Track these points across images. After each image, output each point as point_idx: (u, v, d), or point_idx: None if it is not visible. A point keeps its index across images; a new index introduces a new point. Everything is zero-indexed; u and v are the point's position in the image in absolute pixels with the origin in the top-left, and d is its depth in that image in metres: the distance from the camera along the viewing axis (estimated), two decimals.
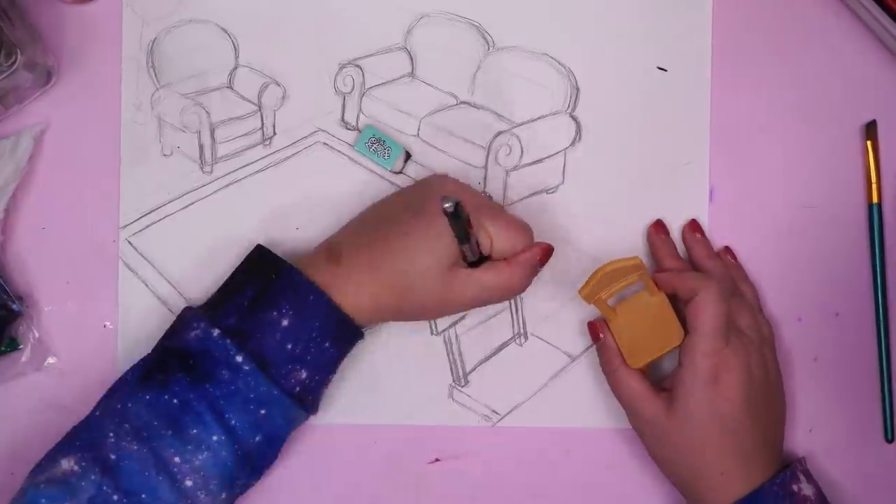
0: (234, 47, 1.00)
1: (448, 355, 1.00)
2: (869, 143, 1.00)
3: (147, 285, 0.99)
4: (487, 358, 1.00)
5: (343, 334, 0.88)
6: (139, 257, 0.99)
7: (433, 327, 1.00)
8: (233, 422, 0.85)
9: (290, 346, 0.86)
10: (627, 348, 0.94)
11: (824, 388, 1.01)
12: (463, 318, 1.00)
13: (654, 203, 1.00)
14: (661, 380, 0.95)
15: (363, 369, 0.99)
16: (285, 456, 0.96)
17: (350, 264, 0.89)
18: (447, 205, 0.78)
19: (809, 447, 1.00)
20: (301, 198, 1.00)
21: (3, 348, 0.96)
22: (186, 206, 0.99)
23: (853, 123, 1.01)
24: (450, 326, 0.99)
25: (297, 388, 0.86)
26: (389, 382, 1.00)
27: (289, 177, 1.00)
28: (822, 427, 1.01)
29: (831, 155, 1.01)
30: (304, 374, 0.87)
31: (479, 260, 0.90)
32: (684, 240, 0.99)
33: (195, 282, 0.99)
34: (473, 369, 1.00)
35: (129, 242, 0.99)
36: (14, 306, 0.96)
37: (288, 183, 1.00)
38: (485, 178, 1.01)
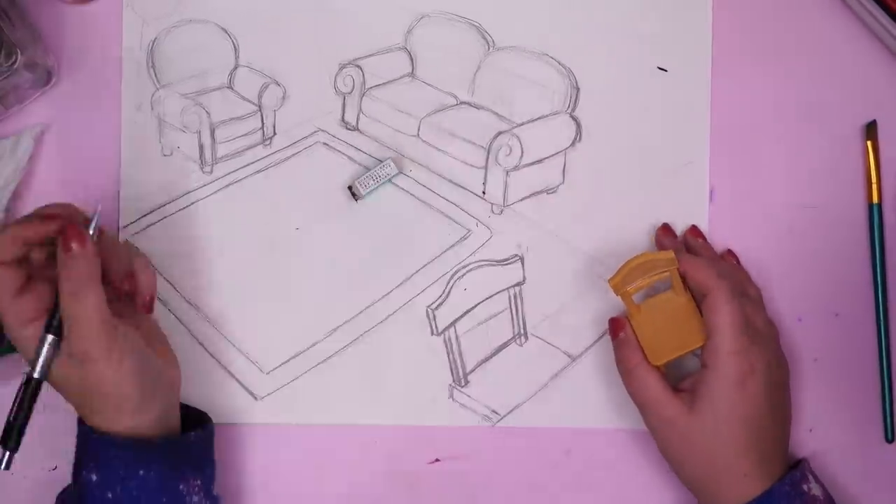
0: (235, 47, 1.00)
1: (448, 355, 1.00)
2: (869, 143, 1.00)
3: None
4: (487, 358, 1.00)
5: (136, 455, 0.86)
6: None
7: (433, 327, 1.00)
8: None
9: (110, 495, 0.85)
10: (648, 345, 0.93)
11: (824, 388, 1.00)
12: (462, 317, 1.00)
13: (654, 203, 1.00)
14: (675, 381, 0.94)
15: (364, 369, 1.00)
16: (286, 456, 0.97)
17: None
18: None
19: (809, 447, 1.00)
20: (301, 198, 0.99)
21: (3, 348, 0.96)
22: (186, 207, 0.99)
23: (853, 123, 1.01)
24: (449, 326, 0.99)
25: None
26: (390, 382, 1.00)
27: (289, 177, 1.00)
28: (822, 427, 1.01)
29: (831, 155, 1.01)
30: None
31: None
32: (687, 245, 0.99)
33: (195, 282, 0.99)
34: (473, 369, 1.00)
35: (129, 242, 0.98)
36: None
37: (288, 183, 1.00)
38: (485, 178, 1.00)
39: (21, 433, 0.84)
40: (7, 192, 0.96)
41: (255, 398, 0.99)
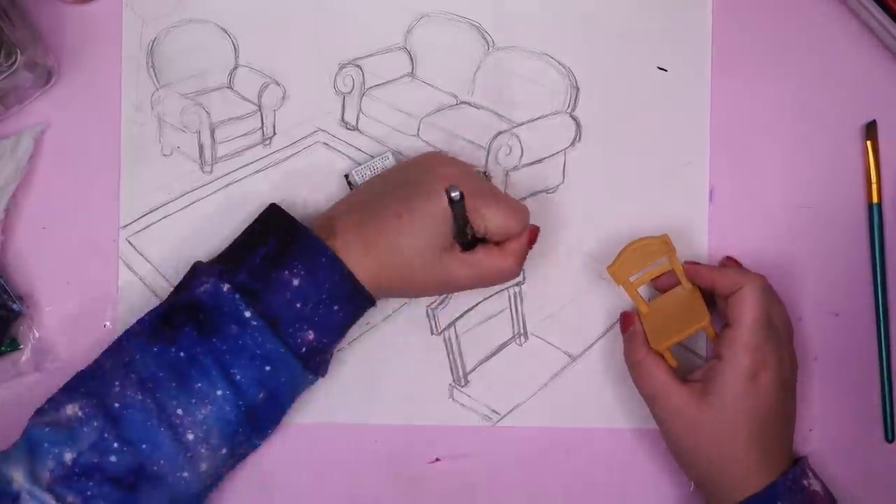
0: (234, 47, 1.00)
1: (448, 355, 1.00)
2: (869, 143, 1.00)
3: (146, 284, 0.99)
4: (487, 358, 1.00)
5: (353, 299, 0.88)
6: (139, 257, 0.98)
7: (433, 327, 1.00)
8: (238, 377, 0.85)
9: (299, 306, 0.86)
10: (651, 330, 0.94)
11: (824, 388, 1.01)
12: (462, 317, 1.00)
13: (653, 203, 1.00)
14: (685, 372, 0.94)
15: (364, 369, 1.00)
16: (285, 455, 0.96)
17: (344, 240, 0.89)
18: (454, 194, 0.79)
19: (809, 447, 1.00)
20: (301, 198, 1.00)
21: (3, 348, 0.96)
22: (186, 206, 0.99)
23: (853, 123, 1.01)
24: (449, 326, 0.99)
25: (304, 349, 0.87)
26: (390, 382, 1.00)
27: (289, 177, 1.00)
28: (822, 427, 1.01)
29: (830, 155, 1.01)
30: (311, 336, 0.87)
31: (472, 242, 0.90)
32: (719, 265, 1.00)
33: None
34: (473, 369, 1.00)
35: (129, 242, 0.98)
36: (14, 306, 0.96)
37: (288, 183, 1.00)
38: (485, 177, 1.00)
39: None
40: (7, 192, 0.96)
41: None
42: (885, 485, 1.01)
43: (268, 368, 0.86)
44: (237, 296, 0.85)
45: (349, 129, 1.00)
